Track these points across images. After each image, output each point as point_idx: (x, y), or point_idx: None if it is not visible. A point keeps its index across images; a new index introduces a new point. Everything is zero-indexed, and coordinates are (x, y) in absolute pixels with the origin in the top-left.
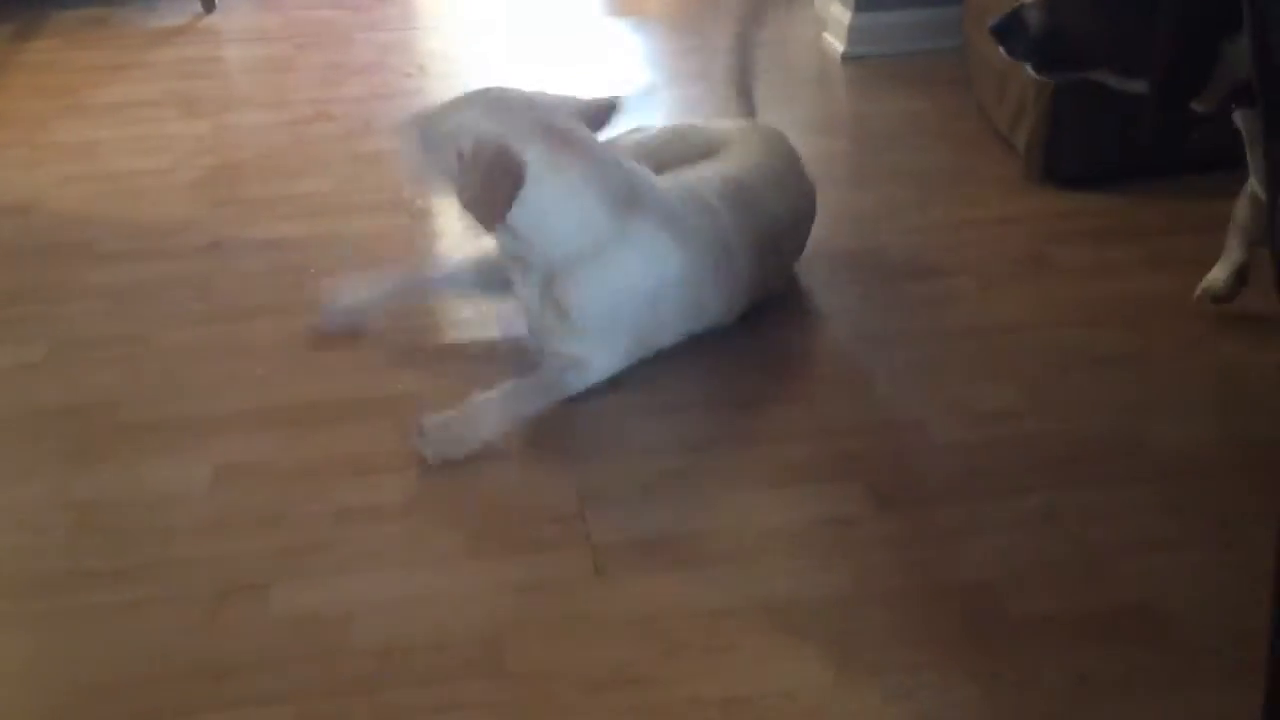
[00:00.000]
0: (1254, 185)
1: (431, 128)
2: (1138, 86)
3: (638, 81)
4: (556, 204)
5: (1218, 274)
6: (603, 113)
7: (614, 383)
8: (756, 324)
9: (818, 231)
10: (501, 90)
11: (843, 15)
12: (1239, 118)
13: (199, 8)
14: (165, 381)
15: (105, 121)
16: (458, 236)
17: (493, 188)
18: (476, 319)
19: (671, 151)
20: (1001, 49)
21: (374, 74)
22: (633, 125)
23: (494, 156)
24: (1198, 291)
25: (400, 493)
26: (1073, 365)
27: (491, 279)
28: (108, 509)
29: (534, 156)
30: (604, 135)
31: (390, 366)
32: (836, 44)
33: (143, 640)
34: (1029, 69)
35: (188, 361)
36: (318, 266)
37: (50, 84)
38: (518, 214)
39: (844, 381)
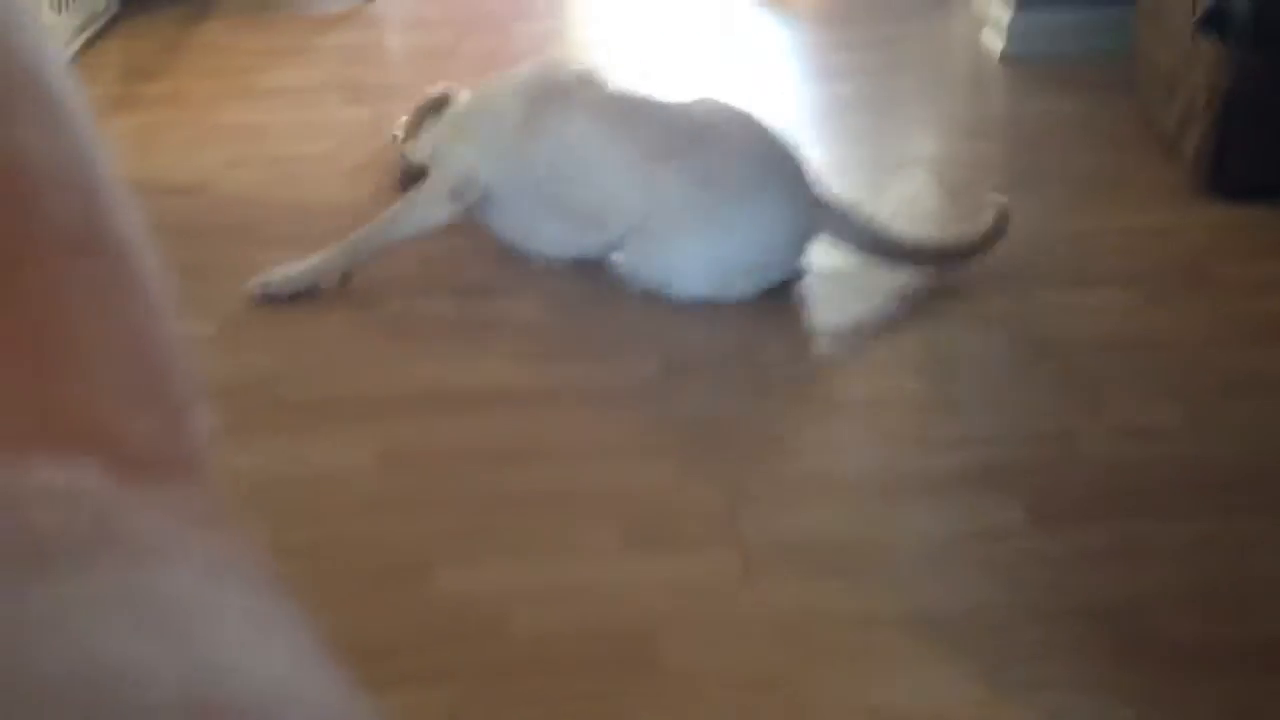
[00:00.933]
0: None
1: None
2: None
3: None
4: None
5: None
6: None
7: (762, 386)
8: (904, 329)
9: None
10: None
11: (1002, 14)
12: None
13: None
14: (330, 361)
15: (272, 105)
16: None
17: None
18: (645, 315)
19: None
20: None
21: None
22: None
23: None
24: None
25: (557, 482)
26: (1235, 386)
27: None
28: (272, 484)
29: None
30: None
31: (547, 356)
32: (995, 43)
33: (305, 615)
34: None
35: (351, 343)
36: (477, 250)
37: (219, 66)
38: None
39: (995, 390)
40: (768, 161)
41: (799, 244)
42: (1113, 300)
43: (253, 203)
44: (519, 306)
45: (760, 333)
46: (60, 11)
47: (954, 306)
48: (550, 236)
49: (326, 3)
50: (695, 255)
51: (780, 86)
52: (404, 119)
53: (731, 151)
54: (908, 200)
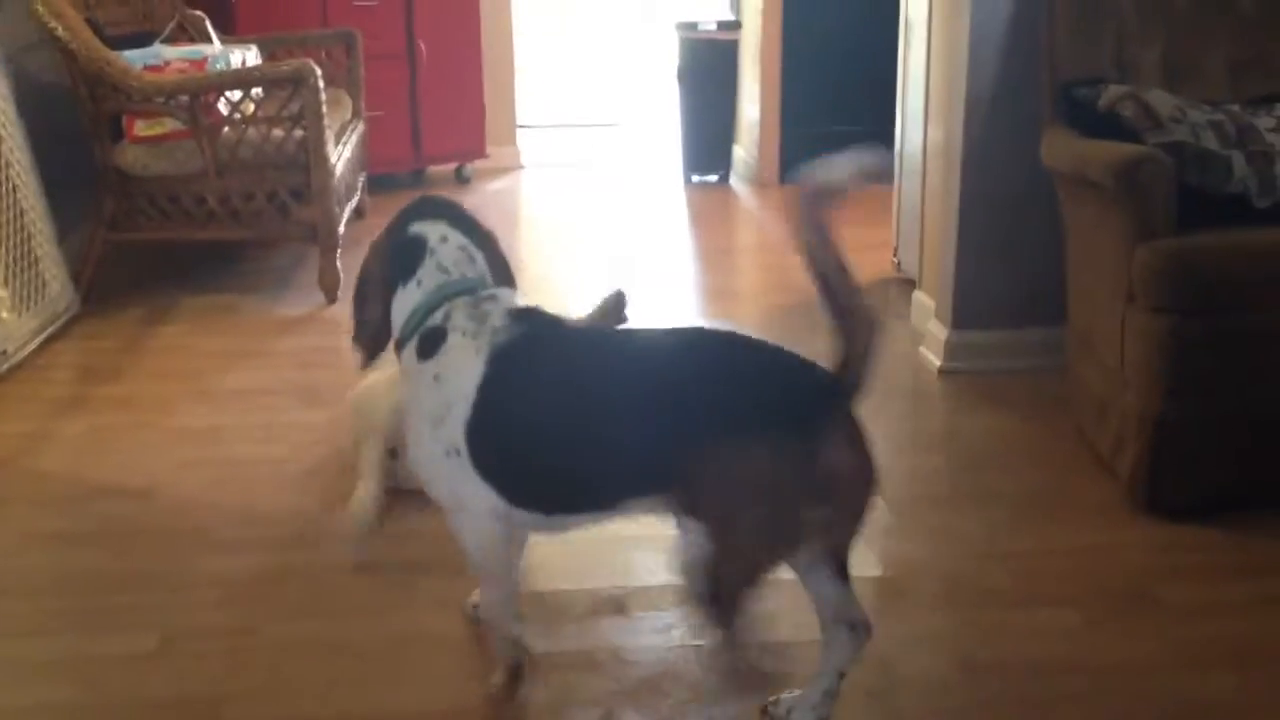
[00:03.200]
0: None
1: None
2: None
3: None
4: None
5: None
6: None
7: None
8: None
9: (915, 551)
10: None
11: (940, 331)
12: None
13: (322, 298)
14: (271, 678)
15: (228, 408)
16: None
17: None
18: (580, 630)
19: None
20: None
21: None
22: None
23: None
24: None
25: None
26: (1184, 713)
27: None
28: None
29: None
30: None
31: (485, 675)
32: (933, 359)
33: None
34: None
35: (294, 658)
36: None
37: (176, 368)
38: None
39: (945, 711)
40: None
41: None
42: (1054, 621)
43: (203, 507)
44: (456, 620)
45: (693, 648)
46: (20, 314)
47: (894, 626)
48: None
49: (285, 306)
50: None
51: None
52: None
53: None
54: None
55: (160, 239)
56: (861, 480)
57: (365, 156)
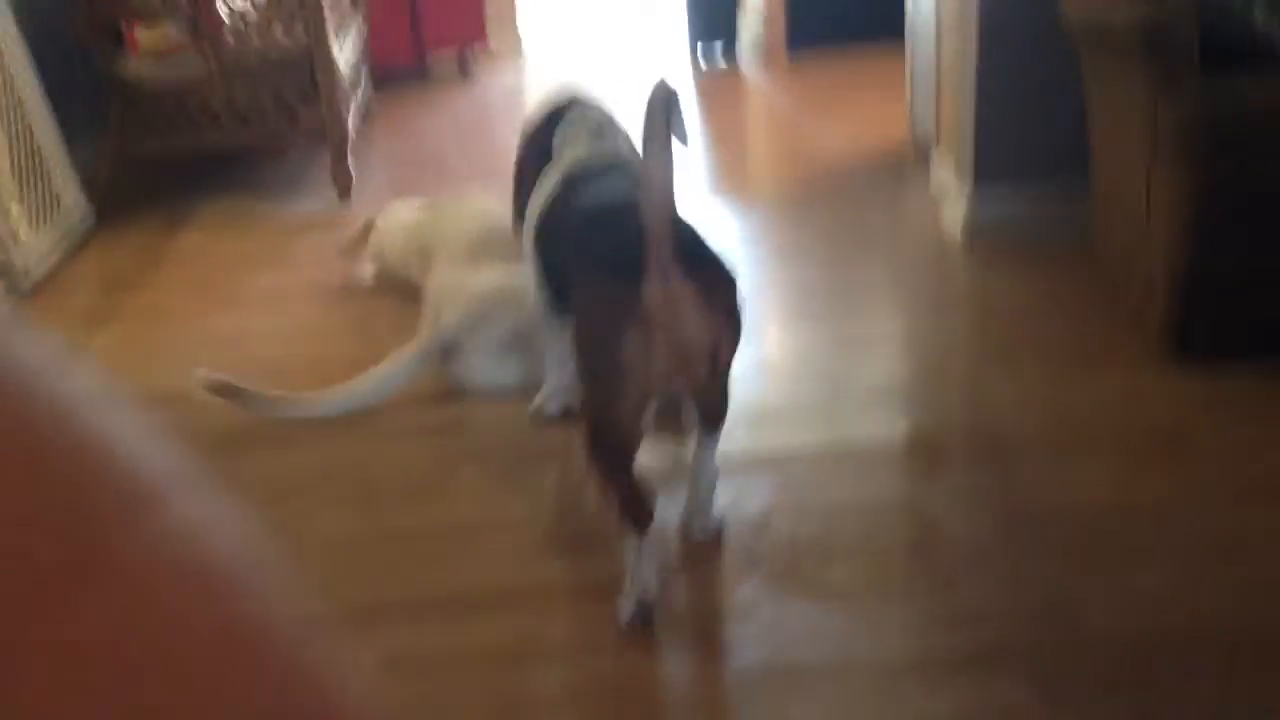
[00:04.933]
0: None
1: None
2: None
3: None
4: None
5: None
6: None
7: (747, 573)
8: (887, 507)
9: (948, 408)
10: None
11: (960, 191)
12: None
13: (336, 197)
14: (325, 568)
15: (253, 311)
16: None
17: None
18: None
19: None
20: None
21: None
22: None
23: None
24: None
25: (561, 684)
26: (1231, 548)
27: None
28: None
29: None
30: None
31: (543, 554)
32: (954, 220)
33: None
34: None
35: (346, 548)
36: (464, 453)
37: (198, 274)
38: None
39: (991, 563)
40: None
41: None
42: (1094, 469)
43: (236, 410)
44: (510, 504)
45: (744, 519)
46: (37, 229)
47: (934, 484)
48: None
49: (300, 207)
50: None
51: (746, 269)
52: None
53: None
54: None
55: (169, 148)
56: (688, 319)
57: (369, 51)
